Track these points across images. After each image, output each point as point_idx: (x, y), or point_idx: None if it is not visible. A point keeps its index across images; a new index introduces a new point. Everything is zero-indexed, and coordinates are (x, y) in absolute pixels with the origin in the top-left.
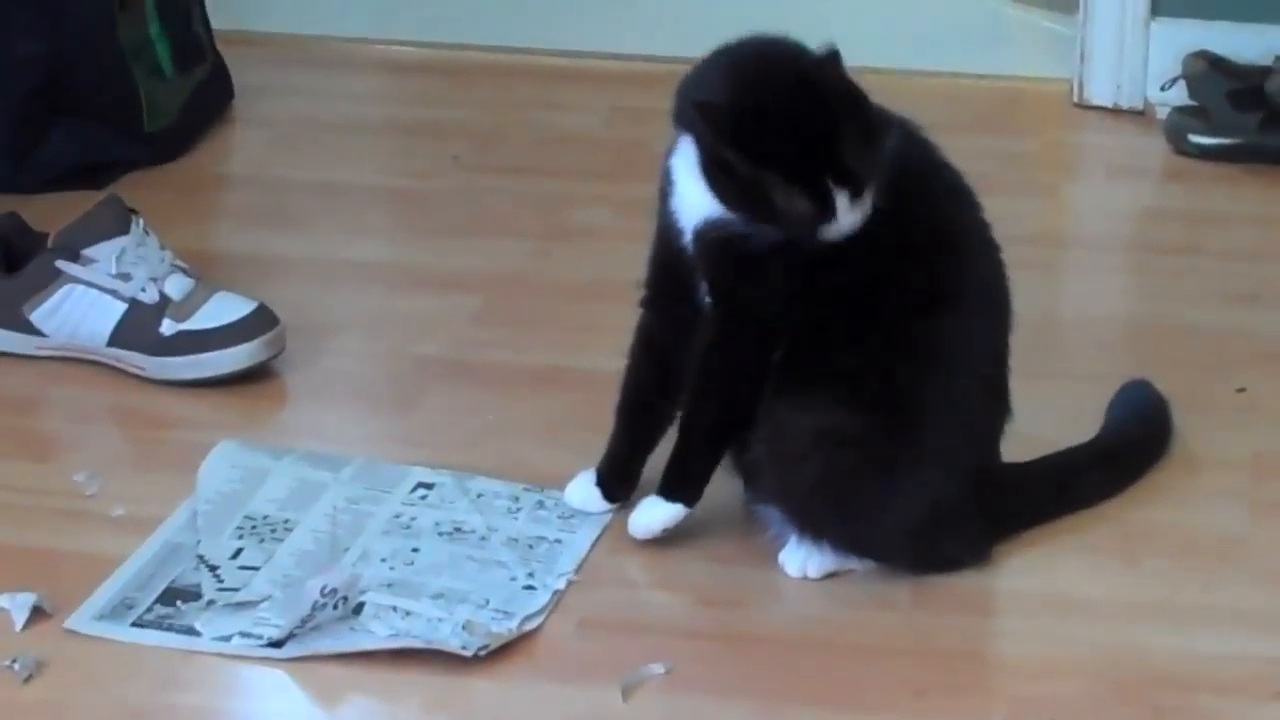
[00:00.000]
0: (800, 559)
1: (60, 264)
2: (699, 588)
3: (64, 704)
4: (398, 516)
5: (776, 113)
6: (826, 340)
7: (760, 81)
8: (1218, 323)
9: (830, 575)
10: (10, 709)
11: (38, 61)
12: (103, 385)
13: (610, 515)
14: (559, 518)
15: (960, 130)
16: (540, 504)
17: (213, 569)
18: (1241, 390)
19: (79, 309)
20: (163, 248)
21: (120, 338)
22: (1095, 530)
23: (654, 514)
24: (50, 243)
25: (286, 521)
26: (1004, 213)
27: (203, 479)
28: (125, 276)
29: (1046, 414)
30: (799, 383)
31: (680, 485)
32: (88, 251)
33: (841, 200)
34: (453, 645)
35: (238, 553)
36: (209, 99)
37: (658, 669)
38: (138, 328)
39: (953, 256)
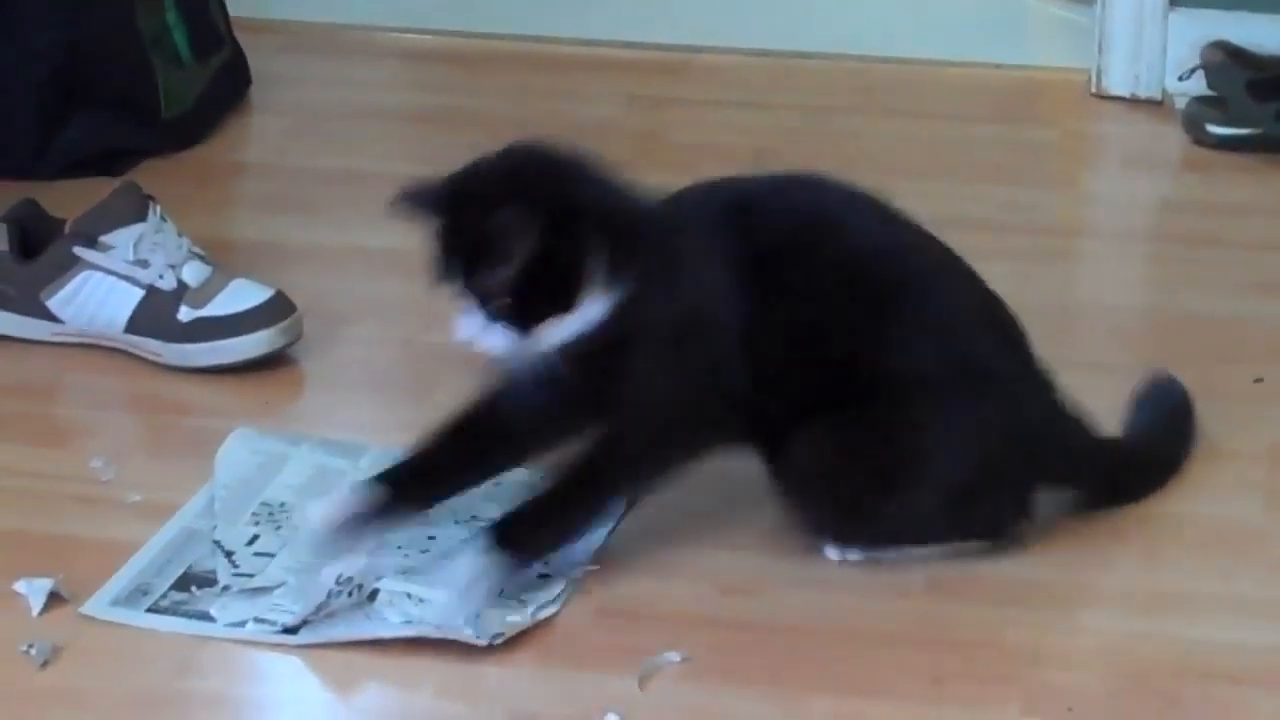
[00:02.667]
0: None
1: (78, 250)
2: (716, 576)
3: (80, 690)
4: None
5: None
6: (797, 389)
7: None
8: (1235, 313)
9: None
10: (27, 694)
11: (56, 49)
12: (119, 371)
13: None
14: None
15: (978, 120)
16: None
17: (228, 554)
18: (1259, 380)
19: (96, 295)
20: (180, 234)
21: (137, 324)
22: (1113, 520)
23: (485, 564)
24: (68, 229)
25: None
26: (1021, 203)
27: (220, 465)
28: (143, 263)
29: None
30: (793, 422)
31: (526, 544)
32: (105, 238)
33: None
34: (467, 634)
35: (253, 539)
36: (226, 86)
37: (674, 657)
38: (155, 314)
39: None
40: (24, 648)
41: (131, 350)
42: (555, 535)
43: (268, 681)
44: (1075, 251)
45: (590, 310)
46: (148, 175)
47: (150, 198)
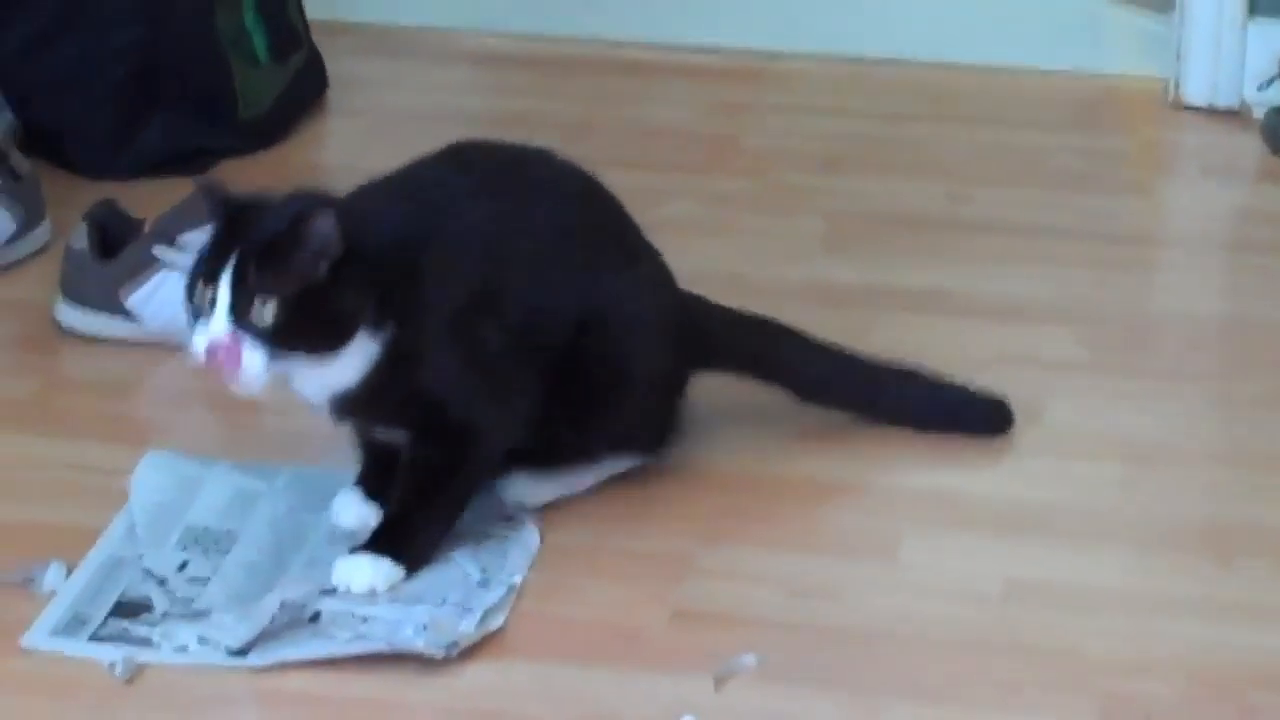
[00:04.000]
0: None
1: (157, 250)
2: (790, 579)
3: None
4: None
5: None
6: None
7: None
8: None
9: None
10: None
11: (135, 49)
12: (197, 371)
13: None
14: (499, 517)
15: (1054, 128)
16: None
17: (161, 581)
18: None
19: (175, 294)
20: None
21: None
22: (1187, 529)
23: (379, 573)
24: (147, 229)
25: (229, 532)
26: (1097, 211)
27: (135, 489)
28: None
29: (1140, 413)
30: None
31: (409, 548)
32: (184, 238)
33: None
34: (418, 646)
35: (184, 564)
36: (303, 88)
37: (750, 660)
38: None
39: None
40: (109, 664)
41: None
42: (433, 534)
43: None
44: (1152, 260)
45: (361, 357)
46: (225, 175)
47: None
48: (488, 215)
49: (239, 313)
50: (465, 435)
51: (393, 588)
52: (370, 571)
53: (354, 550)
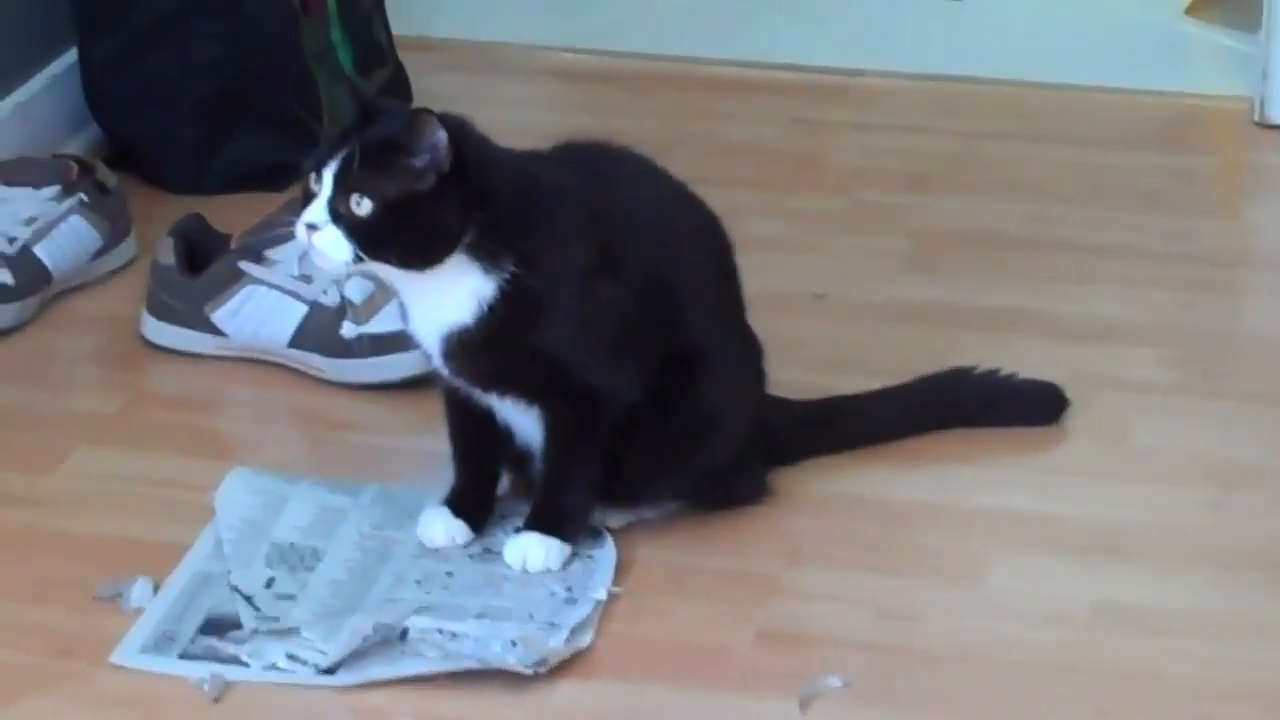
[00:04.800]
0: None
1: (243, 265)
2: (876, 601)
3: None
4: None
5: None
6: None
7: None
8: None
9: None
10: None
11: (221, 65)
12: (282, 386)
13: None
14: (585, 536)
15: (1138, 147)
16: None
17: (248, 599)
18: None
19: (260, 310)
20: None
21: (300, 339)
22: (1273, 551)
23: (551, 552)
24: (233, 244)
25: (314, 549)
26: (1181, 231)
27: (221, 507)
28: (307, 279)
29: (1226, 435)
30: None
31: (570, 522)
32: (270, 253)
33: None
34: (509, 662)
35: (271, 582)
36: None
37: (835, 682)
38: (318, 330)
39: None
40: (198, 681)
41: (294, 365)
42: (585, 502)
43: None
44: (1236, 281)
45: (472, 292)
46: None
47: None
48: (634, 193)
49: (336, 204)
50: (589, 399)
51: (565, 563)
52: (543, 551)
53: (519, 530)
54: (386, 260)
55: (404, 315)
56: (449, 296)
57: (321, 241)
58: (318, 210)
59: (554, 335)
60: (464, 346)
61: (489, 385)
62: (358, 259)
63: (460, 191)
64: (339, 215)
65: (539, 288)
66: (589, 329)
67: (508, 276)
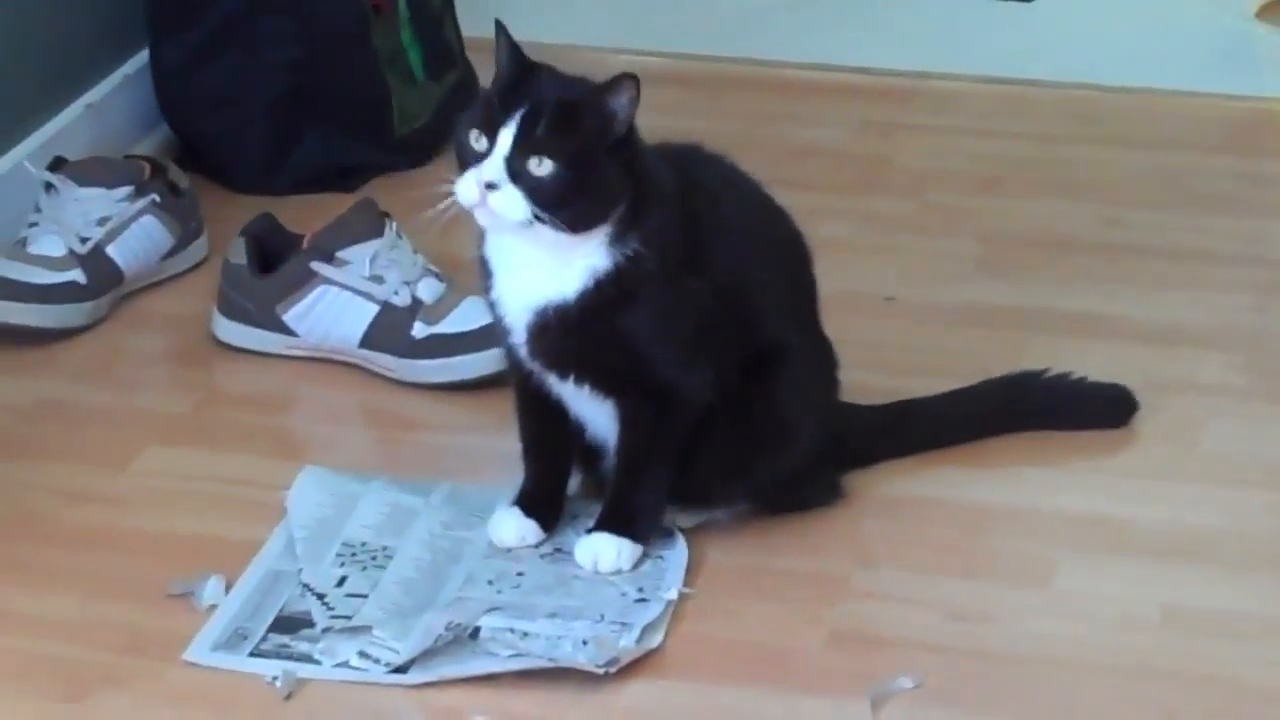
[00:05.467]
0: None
1: (315, 265)
2: (948, 602)
3: None
4: None
5: None
6: None
7: None
8: None
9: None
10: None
11: (292, 66)
12: (353, 386)
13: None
14: (656, 536)
15: (1207, 151)
16: None
17: (320, 597)
18: None
19: (332, 310)
20: (415, 251)
21: (371, 339)
22: None
23: (622, 553)
24: (305, 244)
25: (385, 548)
26: (1251, 234)
27: (293, 505)
28: (378, 279)
29: None
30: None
31: (642, 522)
32: (342, 254)
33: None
34: (580, 662)
35: (342, 580)
36: (458, 105)
37: (907, 683)
38: (389, 330)
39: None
40: (269, 678)
41: (365, 365)
42: (658, 503)
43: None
44: None
45: (588, 265)
46: (380, 191)
47: (387, 214)
48: (725, 197)
49: (516, 163)
50: (666, 397)
51: (636, 564)
52: (614, 551)
53: (590, 531)
54: (559, 220)
55: (490, 287)
56: (561, 267)
57: (499, 201)
58: (495, 169)
59: (641, 324)
60: (558, 322)
61: (567, 369)
62: (536, 219)
63: (626, 157)
64: (517, 174)
65: (647, 271)
66: (673, 323)
67: (629, 253)
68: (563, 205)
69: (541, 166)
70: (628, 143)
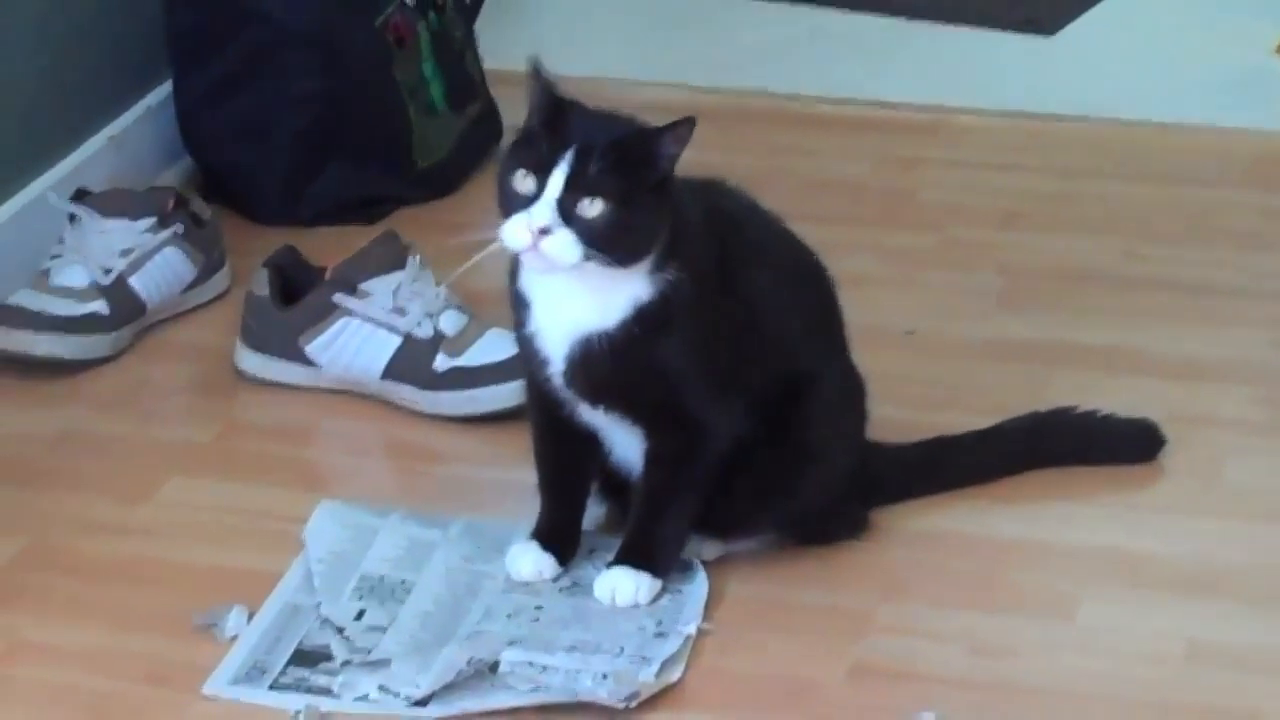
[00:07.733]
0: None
1: (337, 297)
2: (969, 636)
3: None
4: None
5: None
6: None
7: None
8: None
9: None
10: None
11: (314, 98)
12: (375, 418)
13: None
14: (675, 570)
15: (1229, 185)
16: None
17: (339, 630)
18: None
19: (354, 342)
20: (437, 283)
21: (394, 371)
22: None
23: (641, 587)
24: (328, 276)
25: (404, 582)
26: (1274, 269)
27: (311, 538)
28: (401, 311)
29: None
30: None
31: (661, 557)
32: (365, 285)
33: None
34: (601, 696)
35: (361, 614)
36: (480, 137)
37: (929, 717)
38: (411, 362)
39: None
40: (293, 713)
41: (387, 397)
42: (679, 538)
43: None
44: None
45: (630, 294)
46: (402, 223)
47: (409, 246)
48: (750, 227)
49: (567, 205)
50: (697, 431)
51: (654, 598)
52: (633, 586)
53: (610, 565)
54: (611, 259)
55: (526, 320)
56: (604, 298)
57: (551, 245)
58: (548, 212)
59: (678, 352)
60: (600, 352)
61: (602, 399)
62: (586, 259)
63: (667, 190)
64: (568, 216)
65: (686, 296)
66: (709, 349)
67: (670, 279)
68: (614, 244)
69: (593, 207)
70: (670, 184)
